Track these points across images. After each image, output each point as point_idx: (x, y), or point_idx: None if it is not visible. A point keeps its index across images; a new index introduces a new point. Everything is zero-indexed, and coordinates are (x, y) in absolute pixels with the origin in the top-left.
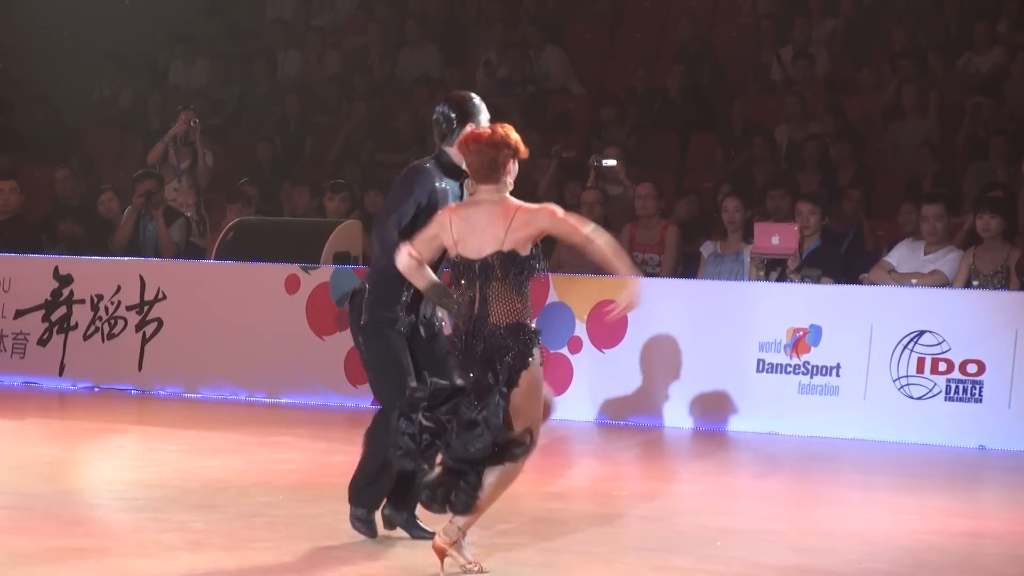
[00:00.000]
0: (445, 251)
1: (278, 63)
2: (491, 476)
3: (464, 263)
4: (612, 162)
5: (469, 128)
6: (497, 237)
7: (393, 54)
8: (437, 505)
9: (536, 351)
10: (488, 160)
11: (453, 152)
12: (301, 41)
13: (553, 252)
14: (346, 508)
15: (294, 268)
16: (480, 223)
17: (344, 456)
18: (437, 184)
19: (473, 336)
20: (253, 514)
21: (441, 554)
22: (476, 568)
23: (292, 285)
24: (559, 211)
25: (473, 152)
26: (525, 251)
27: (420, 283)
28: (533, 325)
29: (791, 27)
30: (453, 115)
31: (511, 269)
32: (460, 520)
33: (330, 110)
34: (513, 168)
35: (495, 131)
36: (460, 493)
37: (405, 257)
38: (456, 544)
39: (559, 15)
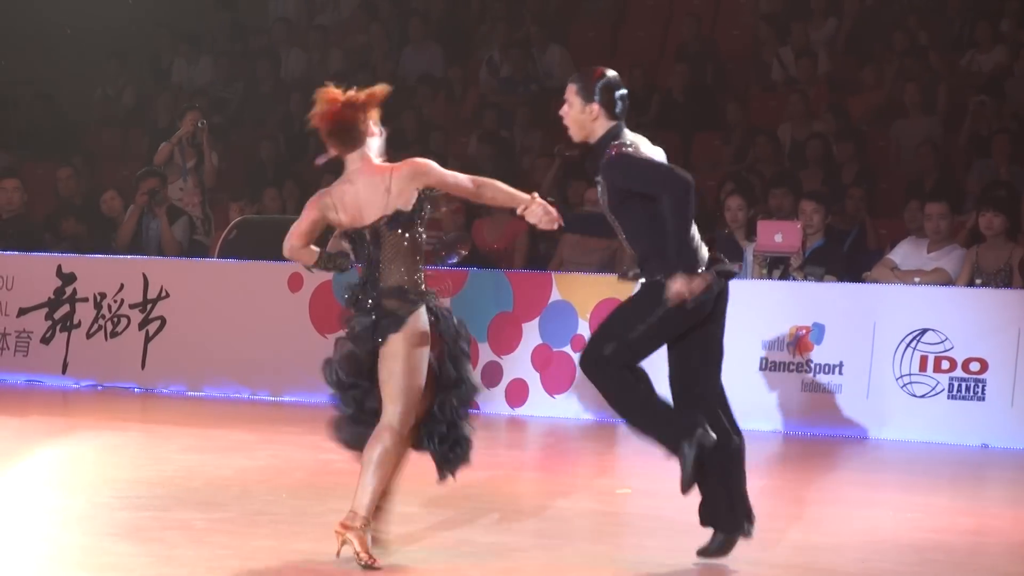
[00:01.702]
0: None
1: (281, 62)
2: (369, 453)
3: (356, 233)
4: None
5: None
6: (380, 205)
7: (396, 53)
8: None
9: (415, 316)
10: (343, 128)
11: None
12: (304, 40)
13: (555, 251)
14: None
15: (297, 266)
16: (361, 195)
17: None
18: None
19: (368, 302)
20: (256, 512)
21: (340, 538)
22: (369, 561)
23: (295, 283)
24: (433, 163)
25: (326, 125)
26: (409, 206)
27: (308, 260)
28: (423, 288)
29: (793, 26)
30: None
31: (399, 226)
32: (361, 507)
33: None
34: (374, 128)
35: (341, 97)
36: None
37: (287, 245)
38: (357, 531)
39: (562, 14)
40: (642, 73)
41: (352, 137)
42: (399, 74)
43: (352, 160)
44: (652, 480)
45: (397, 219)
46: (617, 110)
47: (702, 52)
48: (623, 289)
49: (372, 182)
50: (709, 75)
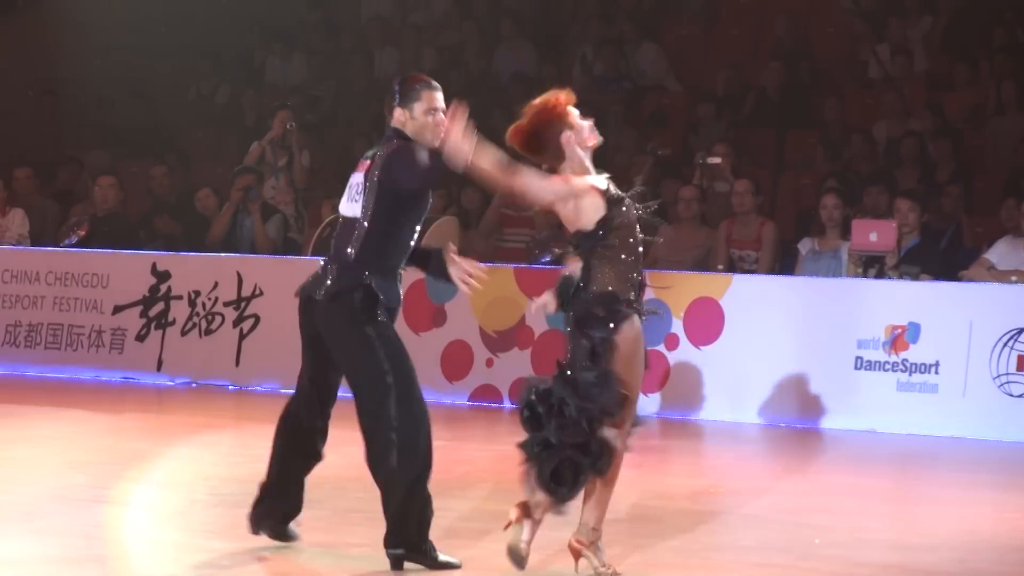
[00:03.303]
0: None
1: (374, 60)
2: None
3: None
4: (717, 160)
5: (398, 111)
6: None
7: (489, 51)
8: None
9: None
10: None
11: (398, 126)
12: (397, 38)
13: (649, 250)
14: (449, 504)
15: None
16: None
17: (439, 452)
18: None
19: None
20: (350, 509)
21: (576, 555)
22: (611, 571)
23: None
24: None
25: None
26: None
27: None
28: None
29: (889, 23)
30: (396, 90)
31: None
32: (591, 519)
33: None
34: (568, 139)
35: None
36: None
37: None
38: (592, 545)
39: (655, 12)
40: (736, 71)
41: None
42: (491, 72)
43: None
44: (745, 479)
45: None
46: None
47: (797, 50)
48: (716, 288)
49: None
50: (804, 73)
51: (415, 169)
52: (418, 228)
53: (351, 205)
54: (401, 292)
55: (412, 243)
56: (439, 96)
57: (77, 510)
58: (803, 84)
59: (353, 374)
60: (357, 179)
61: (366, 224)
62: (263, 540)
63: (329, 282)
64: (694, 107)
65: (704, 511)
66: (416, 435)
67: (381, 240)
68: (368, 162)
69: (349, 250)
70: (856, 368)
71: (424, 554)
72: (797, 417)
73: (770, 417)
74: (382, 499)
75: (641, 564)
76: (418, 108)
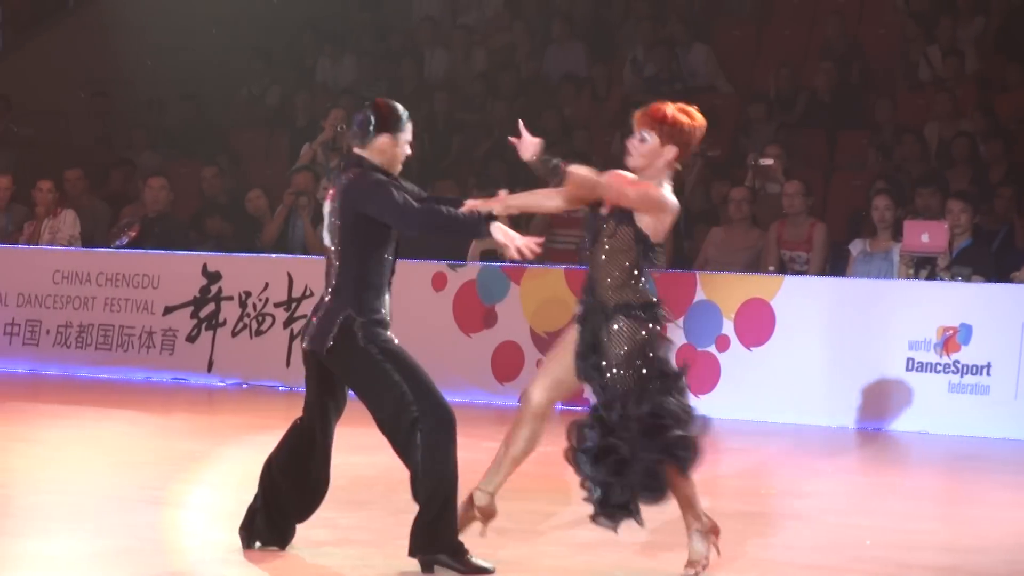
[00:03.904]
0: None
1: (425, 61)
2: None
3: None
4: (769, 161)
5: (384, 138)
6: None
7: (539, 52)
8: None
9: None
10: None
11: (370, 154)
12: (448, 39)
13: (700, 250)
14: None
15: (441, 266)
16: None
17: (487, 453)
18: None
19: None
20: (401, 510)
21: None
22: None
23: (439, 282)
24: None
25: None
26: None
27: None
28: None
29: (940, 24)
30: (373, 119)
31: None
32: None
33: (476, 108)
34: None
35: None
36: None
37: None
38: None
39: (706, 12)
40: (788, 72)
41: None
42: (542, 73)
43: None
44: (795, 479)
45: None
46: None
47: (848, 51)
48: (767, 289)
49: None
50: (855, 74)
51: (397, 210)
52: (394, 244)
53: (327, 235)
54: (388, 305)
55: (391, 256)
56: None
57: (128, 510)
58: (854, 85)
59: (378, 411)
60: (327, 208)
61: (339, 252)
62: (312, 541)
63: (315, 325)
64: (745, 108)
65: (754, 512)
66: (448, 444)
67: (358, 267)
68: (333, 189)
69: (333, 281)
70: (908, 370)
71: (458, 558)
72: (848, 418)
73: (821, 418)
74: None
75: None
76: (402, 138)
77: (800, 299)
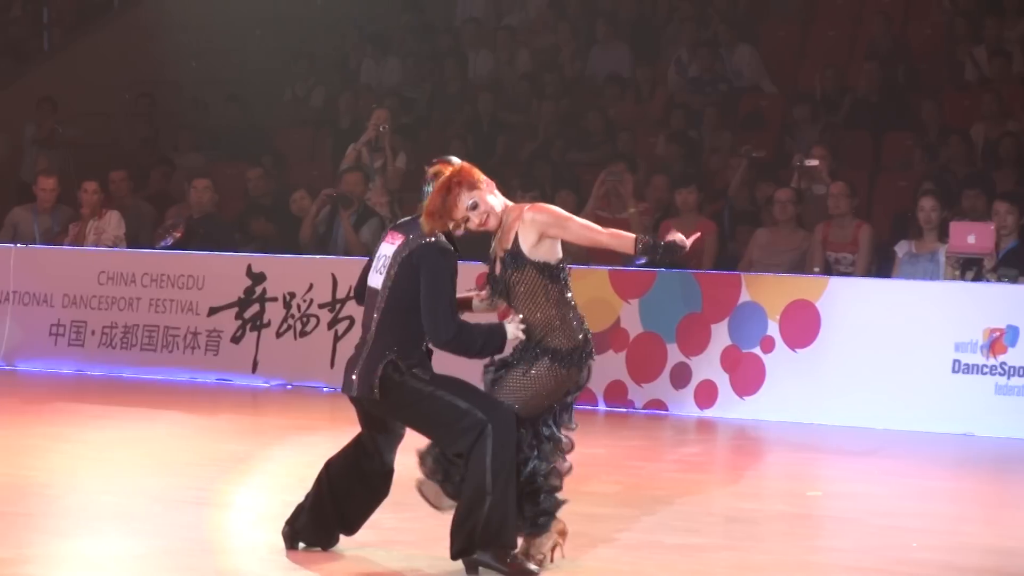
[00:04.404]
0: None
1: (469, 62)
2: None
3: None
4: (815, 162)
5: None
6: None
7: (583, 53)
8: None
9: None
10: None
11: None
12: (491, 40)
13: (744, 252)
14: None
15: (485, 267)
16: None
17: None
18: None
19: None
20: (446, 512)
21: None
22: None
23: (483, 283)
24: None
25: None
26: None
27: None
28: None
29: (986, 25)
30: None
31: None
32: None
33: (521, 109)
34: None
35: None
36: None
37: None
38: None
39: (751, 13)
40: (833, 72)
41: None
42: (587, 74)
43: None
44: (843, 482)
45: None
46: None
47: (893, 51)
48: (813, 290)
49: None
50: (901, 74)
51: (435, 315)
52: None
53: (375, 276)
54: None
55: None
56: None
57: (173, 511)
58: (900, 85)
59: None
60: (386, 251)
61: (385, 297)
62: (357, 542)
63: (359, 373)
64: (790, 109)
65: (800, 514)
66: (511, 446)
67: (405, 317)
68: (400, 238)
69: (374, 324)
70: (954, 371)
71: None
72: (894, 420)
73: (866, 420)
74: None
75: (736, 567)
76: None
77: (845, 300)
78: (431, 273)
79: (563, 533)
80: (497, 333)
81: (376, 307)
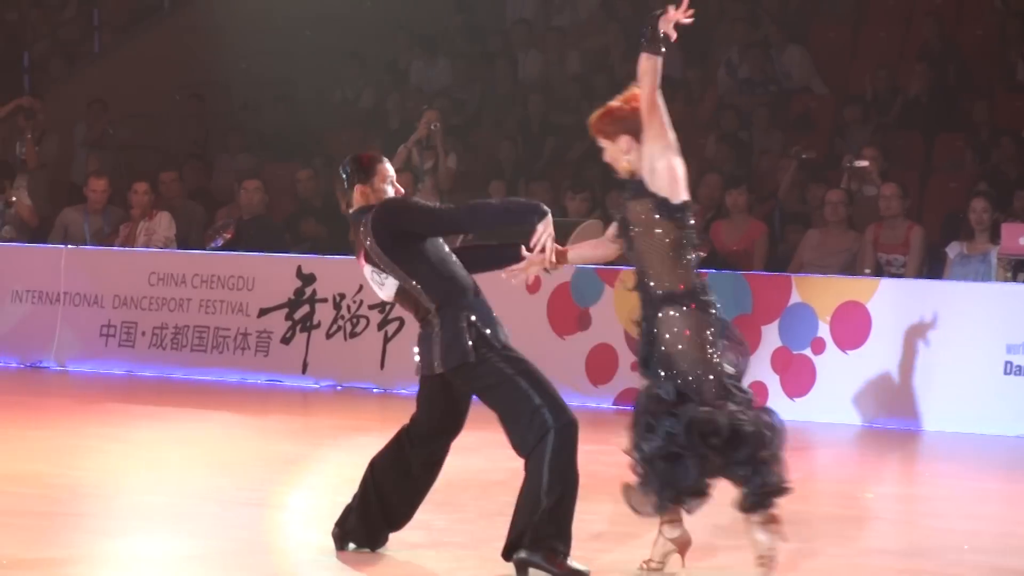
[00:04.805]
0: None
1: (519, 63)
2: None
3: None
4: (865, 163)
5: (359, 188)
6: None
7: (634, 54)
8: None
9: None
10: None
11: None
12: (542, 41)
13: (795, 253)
14: (595, 508)
15: None
16: None
17: (585, 456)
18: None
19: None
20: (495, 513)
21: None
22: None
23: (533, 284)
24: None
25: None
26: None
27: None
28: None
29: None
30: (344, 178)
31: None
32: None
33: (570, 110)
34: None
35: None
36: None
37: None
38: None
39: (801, 14)
40: (885, 73)
41: None
42: (636, 75)
43: None
44: (893, 484)
45: None
46: None
47: (944, 52)
48: (864, 292)
49: None
50: (952, 75)
51: (415, 214)
52: (447, 249)
53: (385, 290)
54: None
55: (455, 259)
56: (390, 166)
57: (223, 511)
58: (951, 86)
59: (510, 422)
60: (367, 271)
61: (414, 283)
62: (406, 543)
63: (440, 345)
64: (840, 110)
65: (851, 515)
66: (572, 448)
67: (435, 283)
68: (360, 250)
69: (426, 307)
70: (1005, 373)
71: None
72: (945, 421)
73: (918, 422)
74: (522, 510)
75: (787, 569)
76: (377, 180)
77: (896, 302)
78: (393, 212)
79: (774, 521)
80: (525, 204)
81: (412, 303)
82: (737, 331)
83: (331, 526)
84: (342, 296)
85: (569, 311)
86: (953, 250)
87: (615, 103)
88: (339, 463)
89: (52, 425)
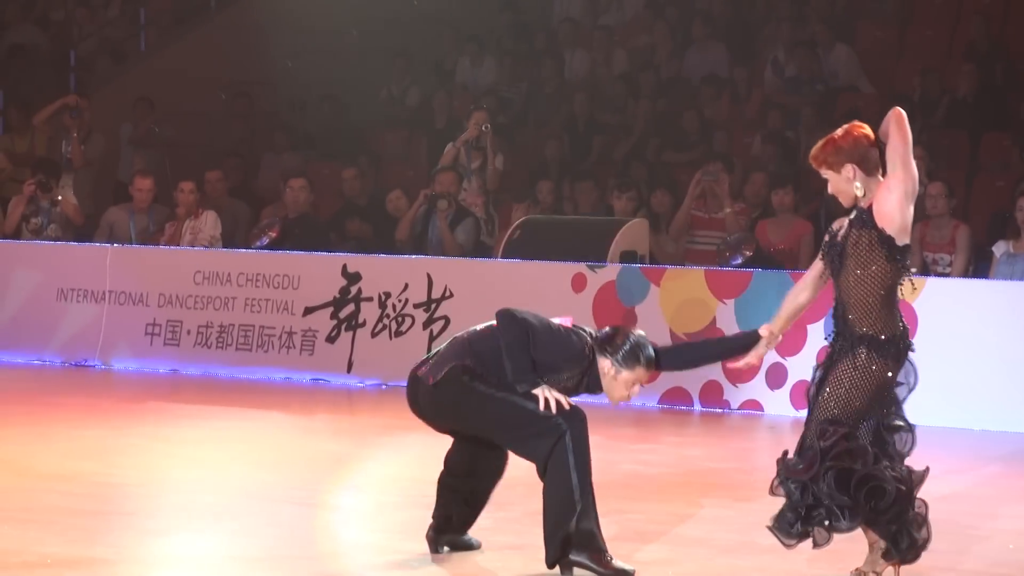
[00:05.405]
0: None
1: (565, 62)
2: None
3: None
4: None
5: (612, 366)
6: None
7: (680, 53)
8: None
9: None
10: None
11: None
12: (588, 40)
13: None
14: (638, 507)
15: (581, 267)
16: None
17: (628, 454)
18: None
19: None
20: (540, 512)
21: None
22: None
23: (579, 284)
24: None
25: None
26: None
27: None
28: None
29: None
30: (618, 344)
31: None
32: None
33: (617, 109)
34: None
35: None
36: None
37: None
38: None
39: (848, 13)
40: (930, 73)
41: None
42: (683, 74)
43: None
44: (939, 483)
45: None
46: None
47: (992, 51)
48: (909, 291)
49: None
50: (999, 75)
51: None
52: None
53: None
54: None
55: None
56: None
57: (268, 510)
58: (998, 86)
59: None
60: None
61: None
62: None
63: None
64: (887, 109)
65: None
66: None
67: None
68: None
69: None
70: None
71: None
72: (991, 421)
73: (963, 421)
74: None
75: (830, 568)
76: (628, 376)
77: (943, 301)
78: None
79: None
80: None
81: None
82: (916, 368)
83: (378, 525)
84: (387, 295)
85: (615, 310)
86: (999, 249)
87: (837, 133)
88: (384, 462)
89: (98, 424)
